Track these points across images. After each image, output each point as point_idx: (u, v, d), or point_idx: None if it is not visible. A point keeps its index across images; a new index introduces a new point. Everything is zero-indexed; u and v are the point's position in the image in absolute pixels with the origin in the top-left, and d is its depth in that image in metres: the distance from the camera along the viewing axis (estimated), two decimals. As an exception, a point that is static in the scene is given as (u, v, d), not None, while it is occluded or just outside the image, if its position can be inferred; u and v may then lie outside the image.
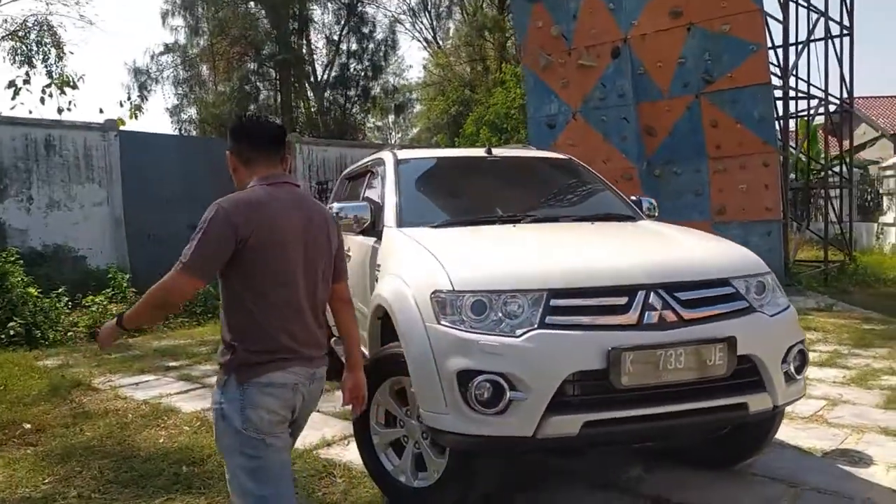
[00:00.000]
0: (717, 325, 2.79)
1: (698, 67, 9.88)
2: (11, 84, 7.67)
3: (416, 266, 3.11)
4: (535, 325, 2.64)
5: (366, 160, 5.03)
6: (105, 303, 8.03)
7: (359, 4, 26.16)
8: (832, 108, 12.39)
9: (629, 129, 10.54)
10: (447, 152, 5.90)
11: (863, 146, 17.31)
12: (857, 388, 4.94)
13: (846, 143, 13.13)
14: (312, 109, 27.00)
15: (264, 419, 2.05)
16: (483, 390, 2.58)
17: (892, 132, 23.53)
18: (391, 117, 30.98)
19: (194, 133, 25.54)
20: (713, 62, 9.73)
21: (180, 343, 7.25)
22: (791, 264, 10.52)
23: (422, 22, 30.48)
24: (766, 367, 2.84)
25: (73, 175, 9.75)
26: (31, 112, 8.60)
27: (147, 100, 24.40)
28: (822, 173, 13.36)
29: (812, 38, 11.50)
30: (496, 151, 4.70)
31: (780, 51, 10.84)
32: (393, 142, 27.34)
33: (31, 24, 19.14)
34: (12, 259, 7.68)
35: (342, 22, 26.28)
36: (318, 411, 4.29)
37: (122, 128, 9.74)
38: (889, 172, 16.99)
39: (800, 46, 11.35)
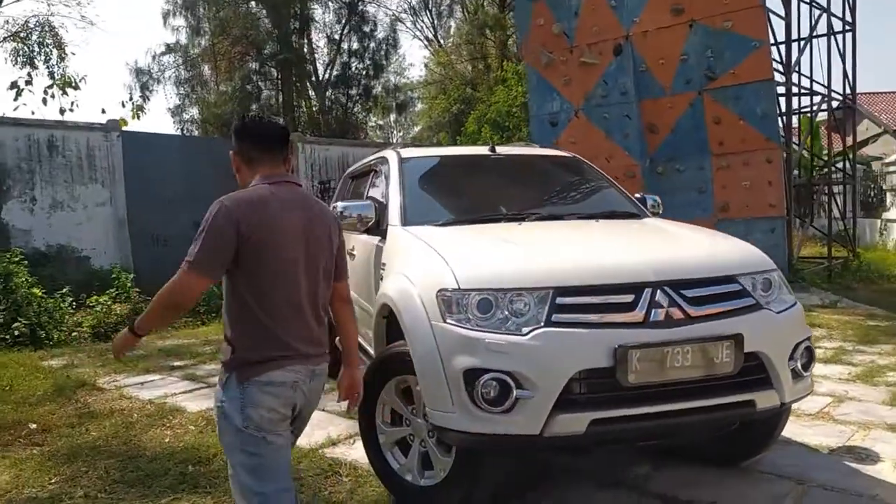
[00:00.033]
0: (723, 323, 2.78)
1: (700, 64, 9.85)
2: (14, 85, 7.64)
3: (421, 265, 3.11)
4: (542, 324, 2.64)
5: (369, 159, 5.02)
6: (109, 303, 8.04)
7: (360, 3, 26.15)
8: (835, 104, 12.35)
9: (632, 127, 10.52)
10: (451, 150, 5.88)
11: (865, 142, 17.20)
12: (862, 385, 4.94)
13: (849, 140, 13.12)
14: (314, 109, 26.98)
15: (264, 417, 2.06)
16: (489, 389, 2.57)
17: (894, 128, 23.46)
18: (393, 116, 30.98)
19: (196, 133, 25.53)
20: (715, 59, 9.70)
21: (185, 342, 7.26)
22: (794, 261, 10.49)
23: (423, 20, 30.60)
24: (773, 364, 2.83)
25: (76, 175, 9.75)
26: (33, 113, 8.55)
27: (149, 100, 24.48)
28: (825, 170, 13.33)
29: (814, 34, 11.46)
30: (501, 149, 4.68)
31: (782, 47, 10.82)
32: (395, 141, 27.31)
33: (32, 25, 19.22)
34: (16, 260, 7.70)
35: (343, 21, 26.28)
36: (324, 410, 4.30)
37: (124, 128, 9.71)
38: (892, 168, 16.97)
39: (802, 43, 11.32)
